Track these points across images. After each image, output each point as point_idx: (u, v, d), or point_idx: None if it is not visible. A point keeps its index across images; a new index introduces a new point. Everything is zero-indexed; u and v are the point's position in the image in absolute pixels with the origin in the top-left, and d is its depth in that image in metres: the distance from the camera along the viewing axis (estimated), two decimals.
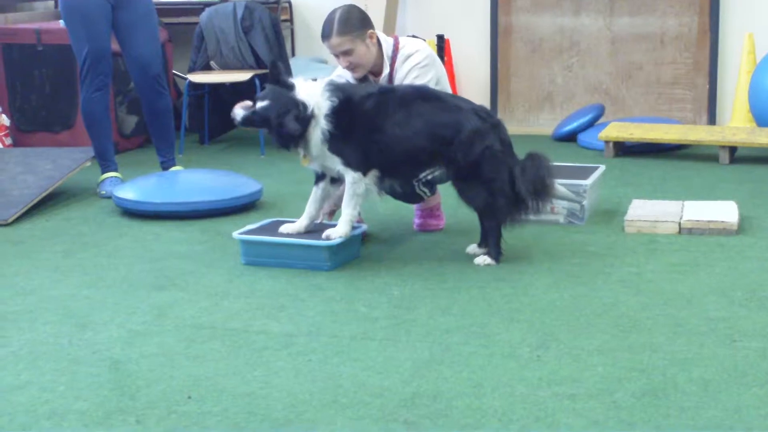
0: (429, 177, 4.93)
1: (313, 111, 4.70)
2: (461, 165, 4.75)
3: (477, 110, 4.83)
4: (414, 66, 5.05)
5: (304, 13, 8.84)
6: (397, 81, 5.07)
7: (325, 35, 4.99)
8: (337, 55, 5.03)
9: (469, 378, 3.50)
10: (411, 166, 4.84)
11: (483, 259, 4.84)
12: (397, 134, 4.74)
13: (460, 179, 4.82)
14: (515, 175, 4.76)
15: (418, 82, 5.01)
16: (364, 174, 4.76)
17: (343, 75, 5.15)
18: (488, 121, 4.81)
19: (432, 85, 5.02)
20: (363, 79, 5.10)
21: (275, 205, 6.07)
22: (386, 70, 5.08)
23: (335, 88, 4.78)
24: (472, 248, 4.99)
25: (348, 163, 4.75)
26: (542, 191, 4.80)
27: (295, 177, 6.72)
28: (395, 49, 5.11)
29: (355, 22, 4.97)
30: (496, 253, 4.85)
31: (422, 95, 4.83)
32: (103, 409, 3.31)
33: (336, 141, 4.72)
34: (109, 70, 6.32)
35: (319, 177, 4.93)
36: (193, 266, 4.90)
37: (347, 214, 4.81)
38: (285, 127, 4.65)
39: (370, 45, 5.01)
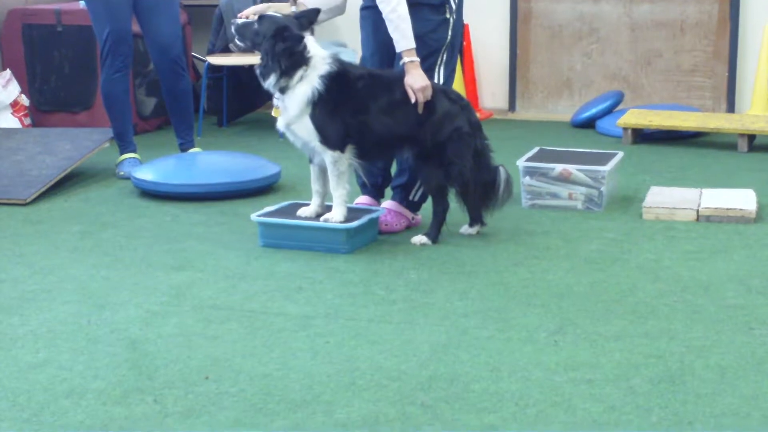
0: None
1: (310, 58, 4.73)
2: (427, 146, 4.81)
3: (447, 92, 4.92)
4: None
5: None
6: None
7: None
8: None
9: (486, 362, 3.51)
10: (385, 148, 4.93)
11: (419, 239, 4.91)
12: (380, 119, 4.80)
13: (423, 159, 4.86)
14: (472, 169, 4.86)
15: None
16: (342, 151, 4.79)
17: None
18: (458, 103, 4.89)
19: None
20: None
21: (293, 188, 6.07)
22: None
23: (338, 60, 4.85)
24: (465, 228, 5.08)
25: (326, 141, 4.77)
26: (488, 200, 4.97)
27: None
28: None
29: None
30: (435, 235, 4.93)
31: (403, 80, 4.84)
32: (121, 388, 3.33)
33: (321, 110, 4.74)
34: (130, 51, 6.33)
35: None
36: (211, 247, 4.91)
37: (338, 196, 4.82)
38: (284, 42, 4.68)
39: None
